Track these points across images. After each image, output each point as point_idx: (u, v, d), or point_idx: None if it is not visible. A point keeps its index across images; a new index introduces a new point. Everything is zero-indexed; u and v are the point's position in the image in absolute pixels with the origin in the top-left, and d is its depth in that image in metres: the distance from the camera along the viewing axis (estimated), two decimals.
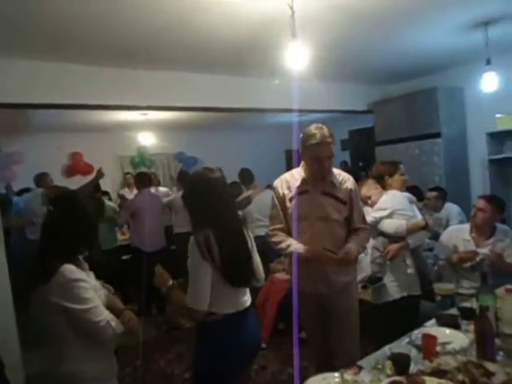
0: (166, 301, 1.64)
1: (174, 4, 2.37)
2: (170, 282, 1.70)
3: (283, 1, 2.22)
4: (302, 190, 2.11)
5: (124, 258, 5.08)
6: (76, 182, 6.16)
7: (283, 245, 2.13)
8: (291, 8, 2.14)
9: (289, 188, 2.16)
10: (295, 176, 2.17)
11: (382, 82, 5.11)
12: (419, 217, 2.66)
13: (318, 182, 2.11)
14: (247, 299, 1.79)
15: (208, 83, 3.99)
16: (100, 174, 4.17)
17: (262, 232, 4.24)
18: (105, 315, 1.48)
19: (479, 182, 4.47)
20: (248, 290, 1.82)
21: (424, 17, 2.97)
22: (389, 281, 2.48)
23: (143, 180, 4.56)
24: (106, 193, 5.93)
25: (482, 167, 4.36)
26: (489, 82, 3.48)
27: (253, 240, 1.85)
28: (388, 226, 2.53)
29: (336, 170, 2.19)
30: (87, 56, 3.20)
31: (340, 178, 2.15)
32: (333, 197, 2.10)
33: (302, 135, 2.09)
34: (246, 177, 4.69)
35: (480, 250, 2.47)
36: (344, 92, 4.96)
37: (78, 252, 1.55)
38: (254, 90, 4.21)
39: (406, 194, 2.71)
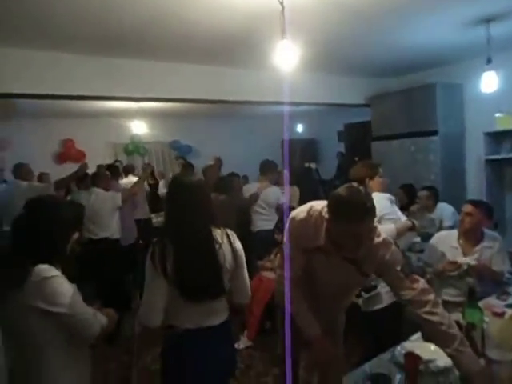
0: None
1: None
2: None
3: None
4: (323, 250, 1.66)
5: None
6: (68, 169, 6.09)
7: (304, 322, 1.71)
8: (281, 3, 2.02)
9: (308, 241, 1.67)
10: (318, 229, 1.63)
11: (379, 76, 4.99)
12: (402, 217, 2.60)
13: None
14: (216, 317, 1.64)
15: (200, 74, 3.87)
16: (83, 168, 4.10)
17: (265, 226, 4.28)
18: (89, 308, 1.47)
19: (475, 182, 4.39)
20: (221, 309, 1.67)
21: (425, 11, 2.85)
22: (382, 287, 2.41)
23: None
24: None
25: (478, 167, 4.28)
26: (488, 82, 3.36)
27: (238, 252, 1.67)
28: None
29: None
30: (76, 45, 3.09)
31: (373, 244, 1.61)
32: (355, 265, 1.65)
33: (330, 201, 1.54)
34: (265, 168, 4.50)
35: (463, 261, 2.41)
36: (340, 85, 4.83)
37: (49, 257, 1.46)
38: (248, 82, 4.10)
39: (387, 195, 2.62)
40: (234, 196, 4.45)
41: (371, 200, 1.48)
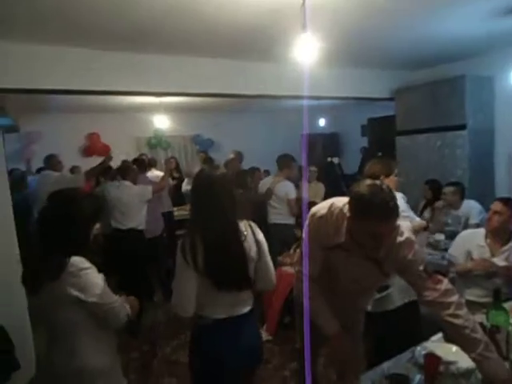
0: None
1: None
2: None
3: None
4: (343, 247, 1.62)
5: None
6: (94, 162, 6.24)
7: (322, 319, 1.70)
8: None
9: (328, 238, 1.63)
10: (339, 227, 1.58)
11: (405, 68, 4.85)
12: (416, 218, 2.55)
13: None
14: (244, 306, 1.70)
15: (221, 68, 3.85)
16: (108, 159, 4.23)
17: (277, 220, 4.34)
18: (116, 297, 1.55)
19: (504, 179, 4.23)
20: (247, 297, 1.72)
21: (453, 1, 2.74)
22: (394, 287, 2.36)
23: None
24: None
25: (508, 163, 4.12)
26: None
27: (261, 243, 1.73)
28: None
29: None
30: (100, 41, 3.13)
31: (395, 243, 1.55)
32: (376, 264, 1.61)
33: (351, 198, 1.48)
34: (281, 163, 4.53)
35: (495, 261, 2.32)
36: (364, 78, 4.72)
37: (73, 250, 1.52)
38: (269, 76, 4.05)
39: (401, 194, 2.58)
40: (250, 190, 4.48)
41: (394, 199, 1.41)
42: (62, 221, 1.51)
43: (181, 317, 1.58)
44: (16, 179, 4.39)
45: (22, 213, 3.64)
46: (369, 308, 2.40)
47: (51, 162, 4.57)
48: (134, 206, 3.94)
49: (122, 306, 1.56)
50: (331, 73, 4.36)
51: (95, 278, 1.50)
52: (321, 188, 5.27)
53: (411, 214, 2.54)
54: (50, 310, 1.49)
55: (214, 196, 1.64)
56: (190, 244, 1.55)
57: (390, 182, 2.47)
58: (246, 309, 1.71)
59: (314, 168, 5.47)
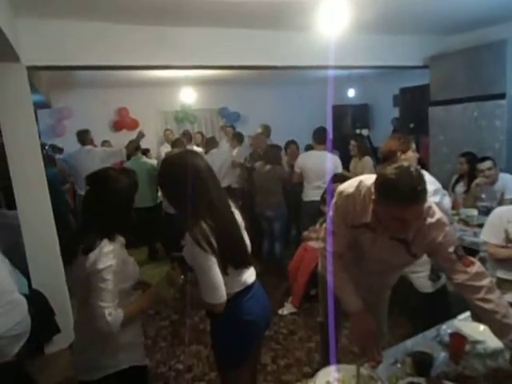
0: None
1: None
2: (180, 281, 1.67)
3: None
4: (369, 226, 1.58)
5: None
6: (123, 136, 6.37)
7: (344, 296, 1.66)
8: None
9: (355, 217, 1.60)
10: (366, 206, 1.55)
11: (440, 33, 4.54)
12: (435, 199, 2.47)
13: None
14: (251, 273, 1.75)
15: (247, 39, 3.75)
16: (140, 136, 4.32)
17: (316, 196, 4.08)
18: (108, 304, 1.47)
19: None
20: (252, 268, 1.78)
21: None
22: None
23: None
24: (147, 150, 6.04)
25: None
26: None
27: (240, 218, 1.77)
28: (447, 205, 2.38)
29: (425, 209, 1.45)
30: (126, 15, 3.10)
31: (425, 224, 1.49)
32: (404, 244, 1.55)
33: (377, 180, 1.43)
34: (320, 136, 4.34)
35: None
36: (396, 45, 4.47)
37: (115, 230, 1.58)
38: (296, 46, 3.92)
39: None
40: (280, 166, 4.44)
41: (423, 183, 1.34)
42: (103, 201, 1.56)
43: (216, 305, 1.56)
44: (48, 155, 4.53)
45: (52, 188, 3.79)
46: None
47: (88, 137, 4.66)
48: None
49: (104, 314, 1.45)
50: (361, 41, 4.17)
51: (106, 274, 1.48)
52: (369, 163, 4.83)
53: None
54: (78, 280, 1.56)
55: (205, 179, 1.59)
56: (202, 235, 1.52)
57: (407, 158, 2.37)
58: (254, 275, 1.76)
59: (353, 142, 5.06)
